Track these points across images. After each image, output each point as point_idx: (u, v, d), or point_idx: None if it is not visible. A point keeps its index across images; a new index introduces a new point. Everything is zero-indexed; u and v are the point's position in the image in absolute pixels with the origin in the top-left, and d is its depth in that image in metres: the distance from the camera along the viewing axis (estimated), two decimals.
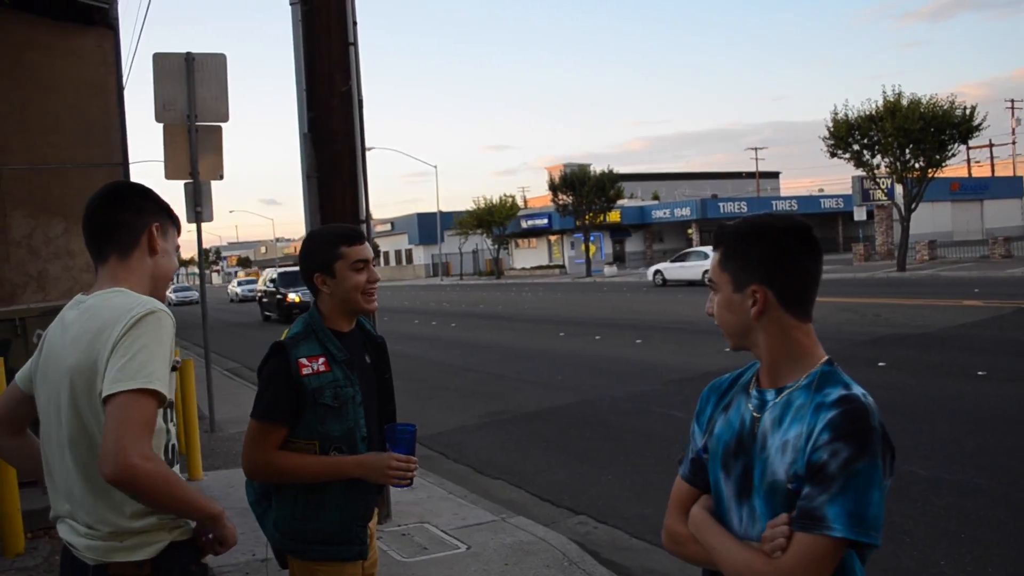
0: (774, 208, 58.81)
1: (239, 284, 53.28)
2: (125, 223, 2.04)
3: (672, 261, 34.15)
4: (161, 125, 8.81)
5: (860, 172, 32.96)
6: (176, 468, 2.07)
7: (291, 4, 5.47)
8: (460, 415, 9.64)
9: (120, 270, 2.02)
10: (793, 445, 1.53)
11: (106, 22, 9.84)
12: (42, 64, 9.58)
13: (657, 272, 34.27)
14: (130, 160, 10.15)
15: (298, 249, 2.68)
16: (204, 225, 9.14)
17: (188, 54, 8.76)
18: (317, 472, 2.41)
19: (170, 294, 46.78)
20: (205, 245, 9.77)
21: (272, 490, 2.51)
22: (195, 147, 8.79)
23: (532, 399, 10.31)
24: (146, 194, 2.13)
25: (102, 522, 1.89)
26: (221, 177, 9.09)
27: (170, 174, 8.87)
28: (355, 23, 5.62)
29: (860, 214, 39.84)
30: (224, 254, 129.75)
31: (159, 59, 8.74)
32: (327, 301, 2.52)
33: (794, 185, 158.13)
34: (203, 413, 9.14)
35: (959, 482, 5.91)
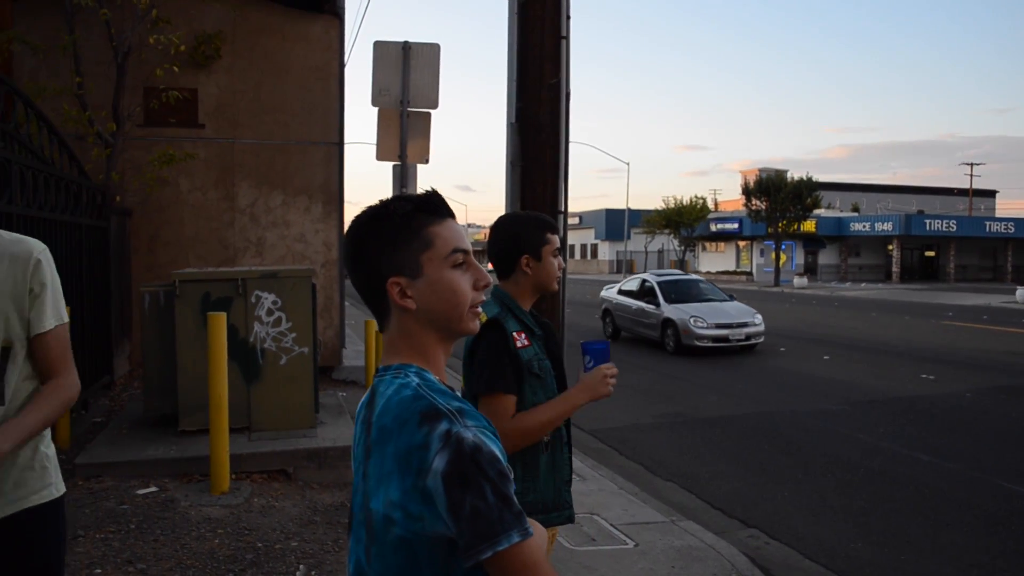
0: (987, 229, 54.34)
1: None
2: None
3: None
4: (376, 109, 9.28)
5: None
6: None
7: None
8: (635, 413, 9.62)
9: None
10: None
11: (333, 10, 10.55)
12: (275, 48, 10.40)
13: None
14: (344, 140, 10.85)
15: (489, 235, 2.78)
16: None
17: (405, 43, 9.19)
18: (557, 414, 2.51)
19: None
20: None
21: None
22: (405, 131, 9.22)
23: (709, 405, 10.13)
24: None
25: None
26: (427, 161, 9.47)
27: (381, 156, 9.35)
28: (568, 17, 5.72)
29: None
30: None
31: (379, 46, 9.21)
32: (522, 283, 2.64)
33: (1013, 206, 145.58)
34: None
35: None
